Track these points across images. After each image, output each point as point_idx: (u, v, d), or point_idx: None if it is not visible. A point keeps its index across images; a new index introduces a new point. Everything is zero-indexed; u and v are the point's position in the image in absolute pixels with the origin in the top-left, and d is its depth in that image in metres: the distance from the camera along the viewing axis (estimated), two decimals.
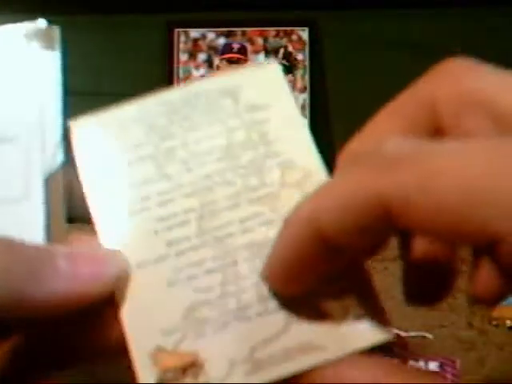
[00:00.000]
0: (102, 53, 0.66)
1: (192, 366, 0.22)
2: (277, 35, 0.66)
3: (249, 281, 0.21)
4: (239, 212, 0.22)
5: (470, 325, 0.59)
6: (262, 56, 0.66)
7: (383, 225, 0.17)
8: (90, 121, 0.24)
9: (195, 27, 0.66)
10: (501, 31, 0.65)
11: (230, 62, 0.65)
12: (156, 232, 0.22)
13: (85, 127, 0.24)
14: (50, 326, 0.22)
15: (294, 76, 0.65)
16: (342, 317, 0.21)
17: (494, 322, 0.57)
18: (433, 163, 0.17)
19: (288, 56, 0.65)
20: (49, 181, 0.24)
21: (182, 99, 0.24)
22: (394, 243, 0.20)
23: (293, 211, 0.19)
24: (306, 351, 0.21)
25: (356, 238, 0.18)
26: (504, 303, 0.55)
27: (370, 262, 0.20)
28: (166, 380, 0.21)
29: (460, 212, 0.17)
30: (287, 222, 0.19)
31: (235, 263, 0.22)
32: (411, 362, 0.54)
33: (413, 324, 0.57)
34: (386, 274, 0.53)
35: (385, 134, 0.21)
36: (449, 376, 0.52)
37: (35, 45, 0.25)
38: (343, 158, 0.23)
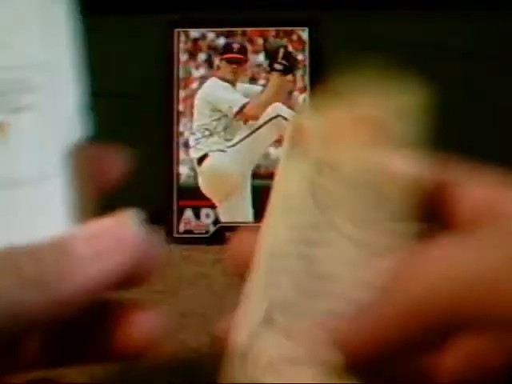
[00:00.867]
0: (101, 53, 0.66)
1: None
2: (277, 35, 0.66)
3: None
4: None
5: None
6: (262, 56, 0.66)
7: None
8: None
9: (195, 27, 0.66)
10: (501, 31, 0.65)
11: (230, 61, 0.65)
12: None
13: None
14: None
15: (294, 76, 0.65)
16: None
17: None
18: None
19: (288, 56, 0.65)
20: (69, 157, 0.22)
21: None
22: None
23: None
24: None
25: None
26: None
27: None
28: None
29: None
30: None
31: None
32: None
33: None
34: None
35: None
36: None
37: None
38: None
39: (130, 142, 0.63)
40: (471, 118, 0.62)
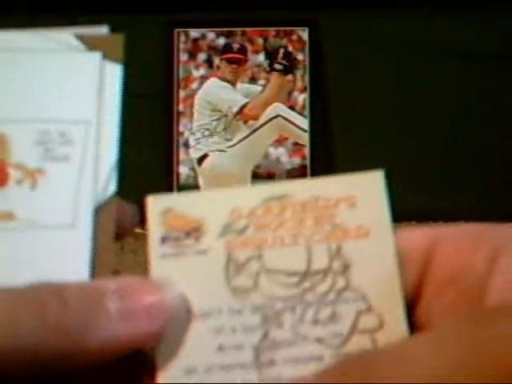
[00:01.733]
0: None
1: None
2: (277, 35, 0.66)
3: None
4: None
5: None
6: (262, 56, 0.66)
7: None
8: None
9: (195, 27, 0.66)
10: (501, 31, 0.65)
11: (230, 61, 0.65)
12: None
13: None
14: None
15: (294, 76, 0.65)
16: None
17: None
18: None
19: (288, 56, 0.65)
20: (99, 211, 0.23)
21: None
22: None
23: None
24: None
25: None
26: None
27: None
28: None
29: None
30: None
31: None
32: None
33: None
34: None
35: None
36: None
37: (96, 54, 0.23)
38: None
39: (130, 141, 0.63)
40: (471, 118, 0.62)
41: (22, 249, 0.22)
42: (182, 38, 0.65)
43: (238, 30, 0.65)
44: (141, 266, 0.54)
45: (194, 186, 0.63)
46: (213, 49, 0.66)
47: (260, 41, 0.66)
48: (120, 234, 0.24)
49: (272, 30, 0.66)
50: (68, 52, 0.23)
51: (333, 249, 0.21)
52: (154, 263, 0.22)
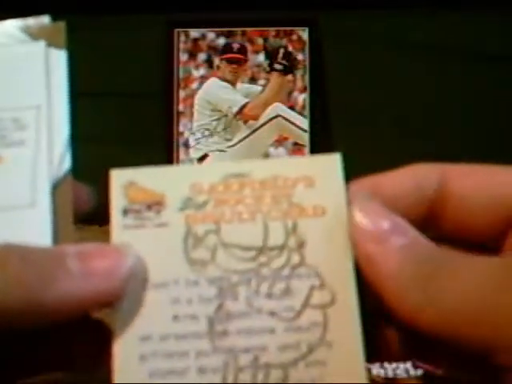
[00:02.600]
0: (101, 53, 0.66)
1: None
2: (277, 35, 0.66)
3: None
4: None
5: None
6: (262, 56, 0.66)
7: None
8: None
9: (195, 27, 0.66)
10: (501, 31, 0.65)
11: (230, 61, 0.65)
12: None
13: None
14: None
15: (294, 76, 0.65)
16: None
17: None
18: (441, 280, 0.19)
19: (288, 56, 0.65)
20: (57, 188, 0.24)
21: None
22: None
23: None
24: None
25: None
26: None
27: None
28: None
29: (461, 329, 0.18)
30: None
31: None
32: None
33: None
34: None
35: (404, 181, 0.23)
36: None
37: (40, 42, 0.24)
38: (359, 190, 0.23)
39: (130, 141, 0.63)
40: (471, 118, 0.62)
41: None
42: (182, 37, 0.65)
43: (238, 30, 0.65)
44: None
45: None
46: (213, 49, 0.66)
47: (260, 41, 0.66)
48: (78, 214, 0.24)
49: (272, 30, 0.66)
50: (14, 43, 0.24)
51: (289, 226, 0.22)
52: (115, 234, 0.22)
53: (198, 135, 0.64)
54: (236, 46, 0.66)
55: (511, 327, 0.18)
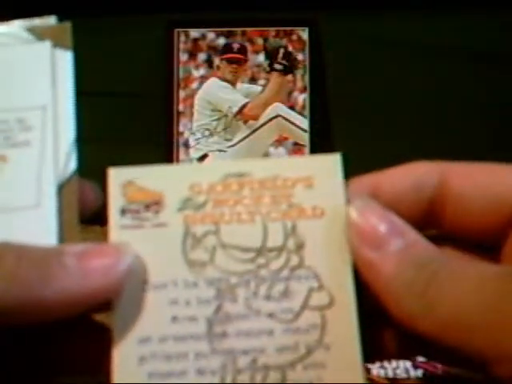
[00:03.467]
0: (101, 53, 0.66)
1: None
2: (277, 35, 0.66)
3: None
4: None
5: None
6: (262, 56, 0.66)
7: None
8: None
9: (195, 27, 0.66)
10: (501, 31, 0.65)
11: (230, 61, 0.65)
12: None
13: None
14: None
15: (294, 76, 0.65)
16: None
17: None
18: (439, 286, 0.19)
19: (288, 56, 0.65)
20: (62, 189, 0.24)
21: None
22: None
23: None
24: None
25: None
26: None
27: None
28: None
29: (455, 338, 0.18)
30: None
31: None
32: None
33: None
34: None
35: (402, 180, 0.22)
36: None
37: (46, 43, 0.24)
38: (358, 190, 0.23)
39: (130, 141, 0.63)
40: (471, 118, 0.62)
41: None
42: (182, 38, 0.65)
43: (238, 30, 0.65)
44: None
45: None
46: (213, 49, 0.66)
47: (260, 41, 0.66)
48: (84, 213, 0.24)
49: (272, 30, 0.66)
50: (20, 44, 0.24)
51: (288, 227, 0.22)
52: (113, 234, 0.22)
53: (198, 135, 0.64)
54: (236, 45, 0.66)
55: (509, 338, 0.18)
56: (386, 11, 0.66)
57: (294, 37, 0.65)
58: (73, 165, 0.24)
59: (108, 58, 0.65)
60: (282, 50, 0.65)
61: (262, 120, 0.64)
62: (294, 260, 0.22)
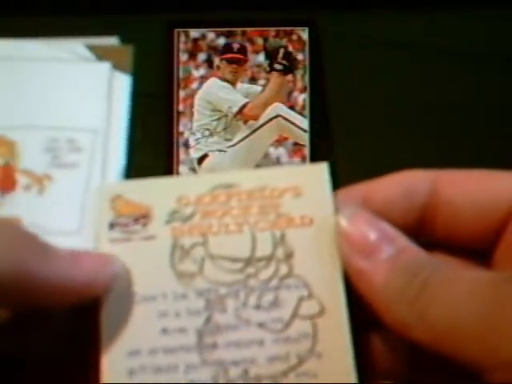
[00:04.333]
0: None
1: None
2: (277, 35, 0.66)
3: None
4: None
5: None
6: (262, 56, 0.66)
7: None
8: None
9: (195, 27, 0.66)
10: (502, 31, 0.65)
11: (230, 61, 0.65)
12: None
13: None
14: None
15: (294, 76, 0.65)
16: None
17: None
18: (429, 294, 0.19)
19: (288, 56, 0.65)
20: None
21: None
22: None
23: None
24: None
25: None
26: None
27: None
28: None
29: (449, 345, 0.18)
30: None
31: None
32: None
33: None
34: None
35: (393, 188, 0.22)
36: None
37: (106, 64, 0.24)
38: (347, 199, 0.23)
39: (130, 141, 0.63)
40: (471, 118, 0.62)
41: None
42: (182, 38, 0.65)
43: (238, 30, 0.65)
44: None
45: None
46: (213, 49, 0.66)
47: (260, 41, 0.66)
48: None
49: (272, 30, 0.66)
50: (79, 62, 0.24)
51: (277, 236, 0.22)
52: (102, 247, 0.22)
53: (198, 135, 0.64)
54: (236, 45, 0.66)
55: (504, 346, 0.17)
56: (386, 11, 0.66)
57: (294, 37, 0.65)
58: None
59: None
60: (282, 50, 0.65)
61: (261, 120, 0.64)
62: (284, 269, 0.22)
